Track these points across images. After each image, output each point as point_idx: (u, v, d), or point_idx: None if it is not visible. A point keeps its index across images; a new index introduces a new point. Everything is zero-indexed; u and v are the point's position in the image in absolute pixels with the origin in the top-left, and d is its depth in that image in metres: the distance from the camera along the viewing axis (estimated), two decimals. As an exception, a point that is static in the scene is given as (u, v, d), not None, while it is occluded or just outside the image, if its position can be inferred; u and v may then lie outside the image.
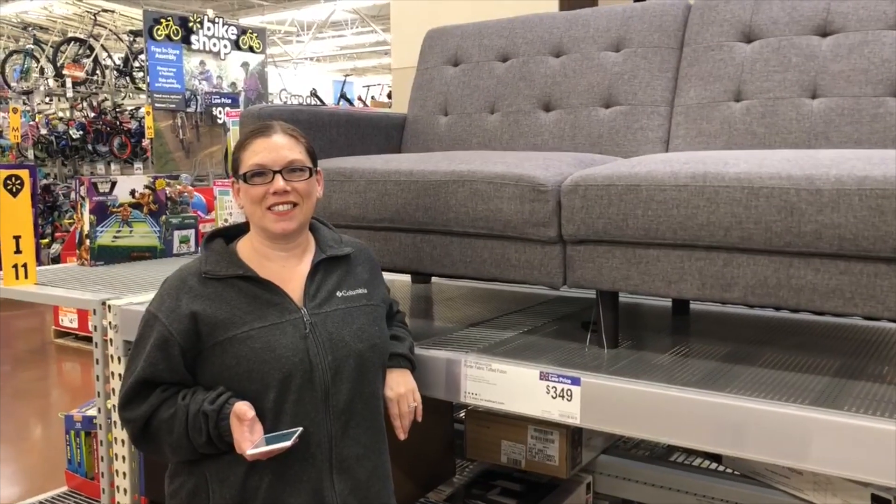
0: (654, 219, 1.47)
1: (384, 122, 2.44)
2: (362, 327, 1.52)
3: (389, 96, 13.98)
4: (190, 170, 8.51)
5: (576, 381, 1.51)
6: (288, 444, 1.34)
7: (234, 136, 3.45)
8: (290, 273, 1.52)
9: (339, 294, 1.53)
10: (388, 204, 1.82)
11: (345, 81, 13.98)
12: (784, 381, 1.47)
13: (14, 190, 2.47)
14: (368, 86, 15.26)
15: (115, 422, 2.24)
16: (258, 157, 1.46)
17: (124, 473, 2.25)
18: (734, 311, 2.17)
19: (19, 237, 2.50)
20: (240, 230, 1.60)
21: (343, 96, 13.71)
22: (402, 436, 1.58)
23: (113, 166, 9.46)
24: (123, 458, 2.24)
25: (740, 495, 2.21)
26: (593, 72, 2.15)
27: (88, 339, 6.07)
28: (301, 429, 1.40)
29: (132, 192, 3.01)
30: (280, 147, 1.47)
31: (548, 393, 1.54)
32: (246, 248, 1.54)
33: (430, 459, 2.40)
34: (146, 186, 3.06)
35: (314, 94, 14.70)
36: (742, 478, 2.28)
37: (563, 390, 1.52)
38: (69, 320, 6.06)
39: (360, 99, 14.74)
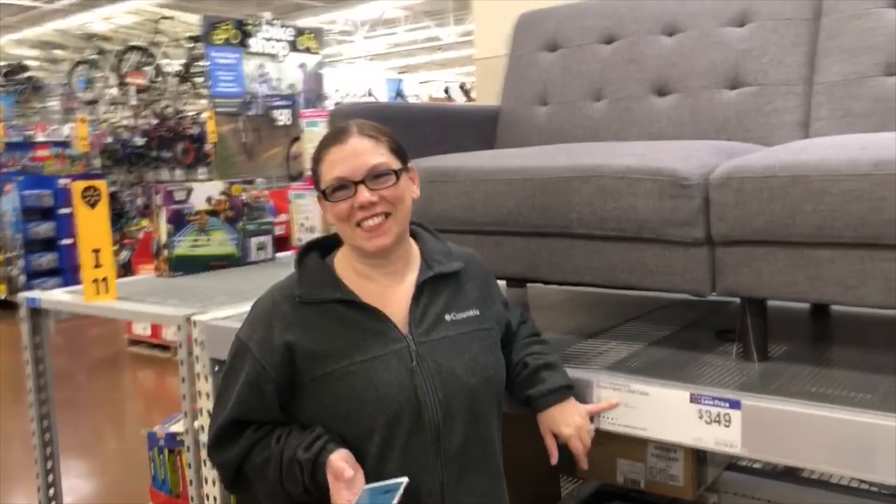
0: (829, 214, 1.25)
1: (476, 116, 2.26)
2: (475, 357, 1.34)
3: (446, 92, 13.83)
4: (253, 172, 8.49)
5: (735, 405, 1.31)
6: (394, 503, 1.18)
7: (308, 139, 3.33)
8: (392, 293, 1.35)
9: (447, 318, 1.35)
10: (499, 205, 1.64)
11: (401, 80, 13.89)
12: None
13: (92, 202, 2.37)
14: (425, 82, 15.13)
15: (203, 442, 2.12)
16: (336, 170, 1.29)
17: (215, 498, 2.13)
18: (880, 314, 1.93)
19: (98, 251, 2.40)
20: (337, 240, 1.42)
21: (399, 94, 13.64)
22: (585, 466, 1.41)
23: (177, 172, 9.52)
24: (213, 481, 2.12)
25: (889, 517, 1.97)
26: (715, 50, 1.93)
27: (162, 347, 6.06)
28: (406, 479, 1.21)
29: (209, 199, 2.91)
30: (359, 153, 1.29)
31: (701, 418, 1.34)
32: (344, 265, 1.38)
33: (536, 481, 2.22)
34: (222, 192, 2.95)
35: (370, 94, 14.64)
36: (890, 497, 2.04)
37: (719, 415, 1.32)
38: (142, 328, 6.06)
39: (416, 97, 14.63)
